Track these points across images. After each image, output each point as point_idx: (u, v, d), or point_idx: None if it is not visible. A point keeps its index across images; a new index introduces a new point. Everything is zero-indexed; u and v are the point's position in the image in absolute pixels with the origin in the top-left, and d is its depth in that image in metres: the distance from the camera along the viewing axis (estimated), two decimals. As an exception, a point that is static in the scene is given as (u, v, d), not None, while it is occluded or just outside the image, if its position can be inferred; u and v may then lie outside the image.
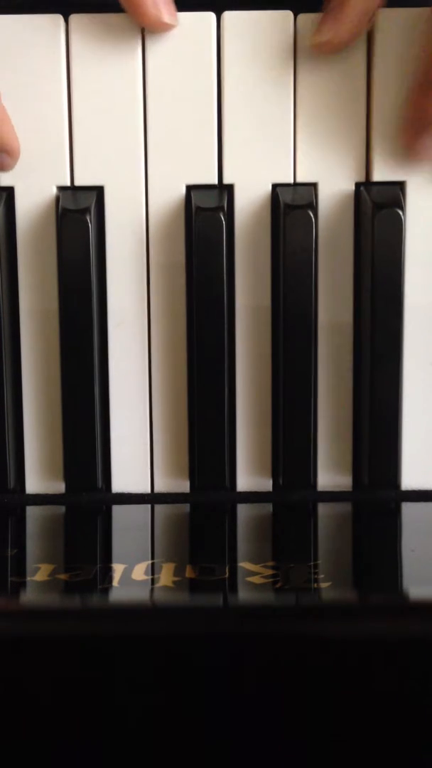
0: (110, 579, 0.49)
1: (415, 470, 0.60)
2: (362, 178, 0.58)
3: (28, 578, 0.49)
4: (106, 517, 0.59)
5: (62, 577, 0.49)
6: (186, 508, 0.60)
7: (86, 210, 0.56)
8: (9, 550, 0.54)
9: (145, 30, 0.57)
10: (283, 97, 0.58)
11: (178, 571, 0.49)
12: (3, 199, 0.58)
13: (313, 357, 0.58)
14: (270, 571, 0.49)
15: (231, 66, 0.57)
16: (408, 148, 0.57)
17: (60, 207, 0.57)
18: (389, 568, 0.53)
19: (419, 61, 0.56)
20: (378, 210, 0.56)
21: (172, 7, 0.56)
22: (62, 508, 0.60)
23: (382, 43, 0.57)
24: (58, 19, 0.57)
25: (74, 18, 0.57)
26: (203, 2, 0.57)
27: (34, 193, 0.58)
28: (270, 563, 0.51)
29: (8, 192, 0.58)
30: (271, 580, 0.49)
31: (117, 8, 0.56)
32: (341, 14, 0.56)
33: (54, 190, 0.58)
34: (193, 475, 0.60)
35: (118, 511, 0.59)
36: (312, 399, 0.58)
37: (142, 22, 0.56)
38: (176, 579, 0.49)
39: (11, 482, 0.60)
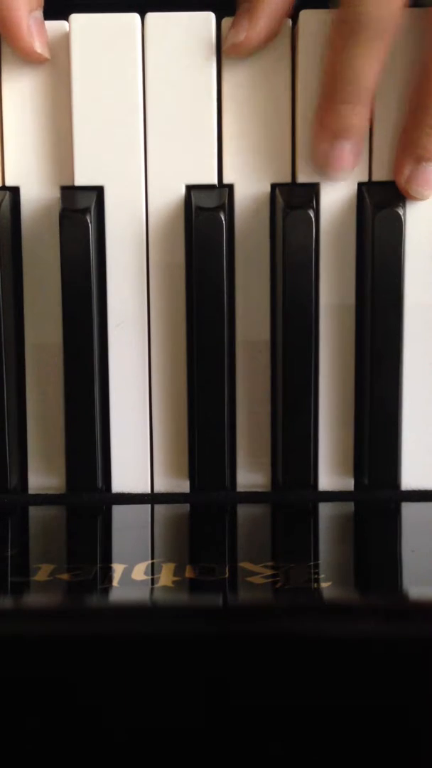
0: (110, 579, 0.49)
1: (415, 470, 0.60)
2: (363, 178, 0.58)
3: (29, 578, 0.49)
4: (106, 517, 0.59)
5: (62, 577, 0.49)
6: (186, 508, 0.60)
7: (86, 210, 0.56)
8: (9, 550, 0.54)
9: (20, 55, 0.56)
10: (282, 96, 0.58)
11: (178, 571, 0.49)
12: (9, 199, 0.58)
13: (314, 356, 0.58)
14: (270, 571, 0.49)
15: (230, 65, 0.57)
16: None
17: (60, 207, 0.57)
18: (389, 568, 0.53)
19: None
20: (378, 210, 0.56)
21: (45, 38, 0.56)
22: (62, 508, 0.60)
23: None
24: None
25: (74, 18, 0.57)
26: (203, 2, 0.57)
27: (37, 193, 0.58)
28: (270, 563, 0.51)
29: (14, 192, 0.58)
30: (271, 580, 0.49)
31: (117, 8, 0.57)
32: (255, 12, 0.55)
33: (55, 190, 0.58)
34: (193, 475, 0.60)
35: (118, 511, 0.59)
36: (312, 398, 0.58)
37: (15, 46, 0.56)
38: (176, 579, 0.49)
39: (12, 482, 0.60)
